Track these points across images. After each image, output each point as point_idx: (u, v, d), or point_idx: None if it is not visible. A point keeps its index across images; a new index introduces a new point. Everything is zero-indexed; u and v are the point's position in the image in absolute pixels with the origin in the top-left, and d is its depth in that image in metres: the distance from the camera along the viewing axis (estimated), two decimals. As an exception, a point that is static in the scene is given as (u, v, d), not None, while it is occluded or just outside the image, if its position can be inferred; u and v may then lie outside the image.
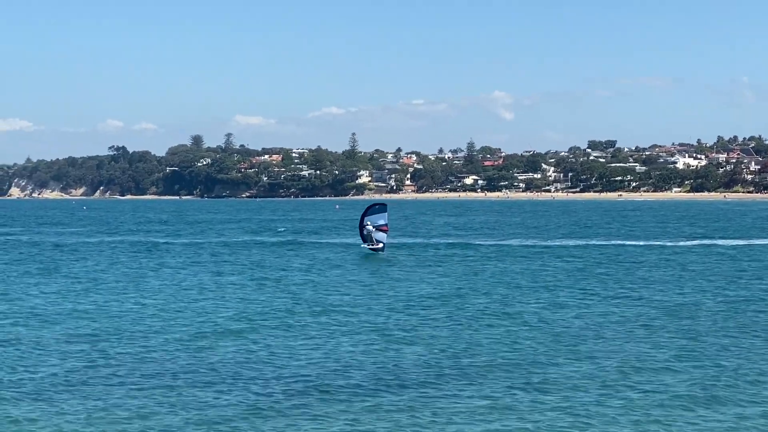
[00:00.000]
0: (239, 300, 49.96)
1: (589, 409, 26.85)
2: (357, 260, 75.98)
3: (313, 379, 30.27)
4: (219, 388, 29.31)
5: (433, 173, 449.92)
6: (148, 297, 51.45)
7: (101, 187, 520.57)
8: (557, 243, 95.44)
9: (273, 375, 30.99)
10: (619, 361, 32.83)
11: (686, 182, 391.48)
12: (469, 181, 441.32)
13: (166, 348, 35.65)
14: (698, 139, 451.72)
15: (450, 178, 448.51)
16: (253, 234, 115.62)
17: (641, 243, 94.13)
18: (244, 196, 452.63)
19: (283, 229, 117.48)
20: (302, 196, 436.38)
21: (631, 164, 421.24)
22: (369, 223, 79.53)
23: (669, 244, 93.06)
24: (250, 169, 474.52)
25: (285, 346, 35.95)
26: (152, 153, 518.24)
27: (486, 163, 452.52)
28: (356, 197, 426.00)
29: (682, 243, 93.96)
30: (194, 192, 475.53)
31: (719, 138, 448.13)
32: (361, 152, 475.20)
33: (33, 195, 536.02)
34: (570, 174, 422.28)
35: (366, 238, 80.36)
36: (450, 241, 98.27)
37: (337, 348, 35.68)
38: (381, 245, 79.59)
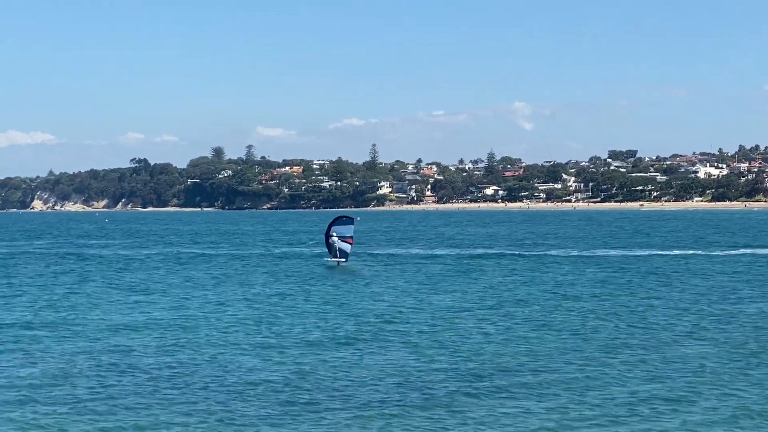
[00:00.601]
0: (271, 312, 49.78)
1: (625, 421, 26.91)
2: (389, 271, 76.18)
3: (345, 391, 30.31)
4: (249, 400, 29.38)
5: (453, 184, 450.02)
6: (179, 309, 51.43)
7: (123, 200, 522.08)
8: (596, 252, 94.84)
9: (304, 386, 30.99)
10: (655, 372, 32.80)
11: (707, 191, 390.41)
12: (489, 191, 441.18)
13: (195, 360, 35.70)
14: (719, 148, 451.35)
15: (470, 188, 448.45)
16: (283, 245, 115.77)
17: (683, 252, 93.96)
18: (265, 207, 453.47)
19: (312, 242, 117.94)
20: (323, 208, 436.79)
21: (651, 174, 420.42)
22: (335, 233, 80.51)
23: (717, 253, 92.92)
24: (271, 180, 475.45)
25: (317, 358, 35.89)
26: (173, 165, 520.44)
27: (506, 174, 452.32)
28: (377, 208, 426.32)
29: (726, 252, 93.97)
30: (215, 204, 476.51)
31: (740, 147, 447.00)
32: (381, 163, 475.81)
33: (55, 207, 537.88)
34: (591, 184, 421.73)
35: (330, 249, 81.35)
36: (491, 252, 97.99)
37: (368, 359, 35.64)
38: (343, 259, 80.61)
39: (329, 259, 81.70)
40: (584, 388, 30.56)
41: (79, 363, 35.47)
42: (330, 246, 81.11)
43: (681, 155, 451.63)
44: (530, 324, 44.43)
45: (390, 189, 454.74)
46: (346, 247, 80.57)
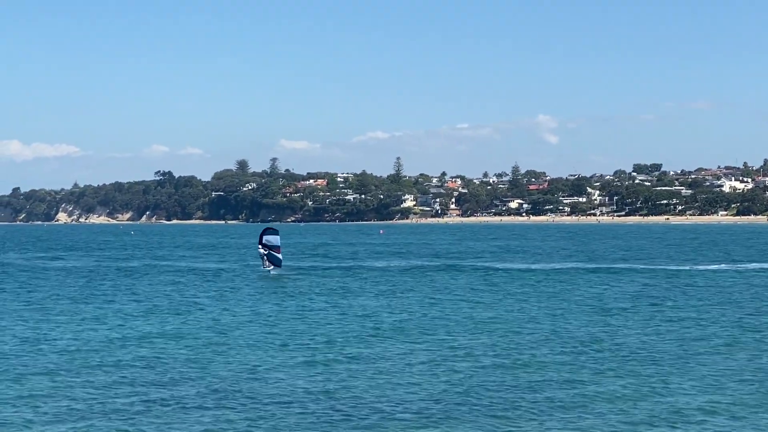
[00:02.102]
0: (315, 327, 48.88)
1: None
2: (430, 282, 75.88)
3: (393, 405, 30.08)
4: (296, 412, 29.32)
5: (477, 197, 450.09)
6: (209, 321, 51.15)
7: (147, 212, 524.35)
8: (670, 267, 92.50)
9: (350, 403, 30.73)
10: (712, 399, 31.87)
11: (732, 205, 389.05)
12: (514, 205, 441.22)
13: (235, 377, 35.44)
14: (744, 162, 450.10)
15: (495, 202, 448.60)
16: (322, 259, 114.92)
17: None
18: (289, 220, 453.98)
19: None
20: (348, 221, 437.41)
21: (676, 188, 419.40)
22: (267, 243, 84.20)
23: None
24: (295, 193, 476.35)
25: (360, 372, 35.66)
26: (198, 178, 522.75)
27: (531, 187, 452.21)
28: (401, 221, 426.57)
29: None
30: (239, 217, 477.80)
31: (765, 161, 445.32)
32: (405, 176, 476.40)
33: (80, 220, 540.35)
34: (615, 198, 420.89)
35: (262, 258, 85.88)
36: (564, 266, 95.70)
37: (415, 373, 35.27)
38: (272, 267, 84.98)
39: (263, 268, 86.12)
40: (634, 408, 30.14)
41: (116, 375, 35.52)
42: (260, 256, 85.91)
43: (706, 169, 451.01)
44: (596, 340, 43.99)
45: (414, 202, 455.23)
46: (278, 256, 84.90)
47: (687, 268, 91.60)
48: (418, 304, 59.08)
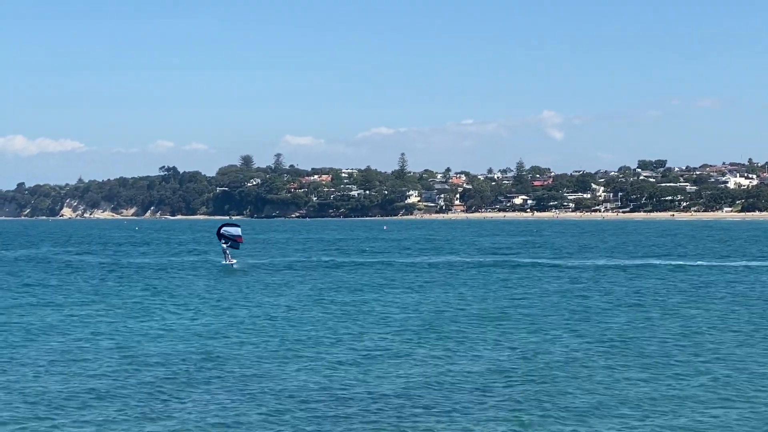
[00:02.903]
0: (341, 323, 48.79)
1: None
2: (461, 278, 76.12)
3: (404, 403, 30.18)
4: (309, 410, 29.46)
5: (482, 193, 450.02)
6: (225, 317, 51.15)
7: (152, 208, 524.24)
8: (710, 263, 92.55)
9: (359, 400, 30.83)
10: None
11: (737, 202, 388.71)
12: (518, 200, 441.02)
13: (248, 375, 35.55)
14: (749, 159, 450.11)
15: (499, 197, 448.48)
16: (340, 255, 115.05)
17: None
18: (293, 216, 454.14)
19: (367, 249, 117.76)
20: (352, 217, 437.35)
21: (681, 184, 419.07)
22: (226, 234, 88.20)
23: None
24: (300, 189, 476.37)
25: (368, 371, 35.64)
26: (202, 173, 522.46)
27: (535, 183, 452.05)
28: (405, 217, 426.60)
29: None
30: (244, 212, 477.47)
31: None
32: (410, 172, 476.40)
33: (84, 215, 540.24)
34: (620, 194, 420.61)
35: (224, 253, 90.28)
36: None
37: (448, 371, 35.25)
38: (234, 261, 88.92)
39: (224, 262, 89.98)
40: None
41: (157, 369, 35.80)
42: (223, 250, 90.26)
43: (711, 165, 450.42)
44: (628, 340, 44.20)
45: (418, 198, 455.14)
46: (240, 242, 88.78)
47: (712, 264, 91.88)
48: (442, 302, 59.19)
